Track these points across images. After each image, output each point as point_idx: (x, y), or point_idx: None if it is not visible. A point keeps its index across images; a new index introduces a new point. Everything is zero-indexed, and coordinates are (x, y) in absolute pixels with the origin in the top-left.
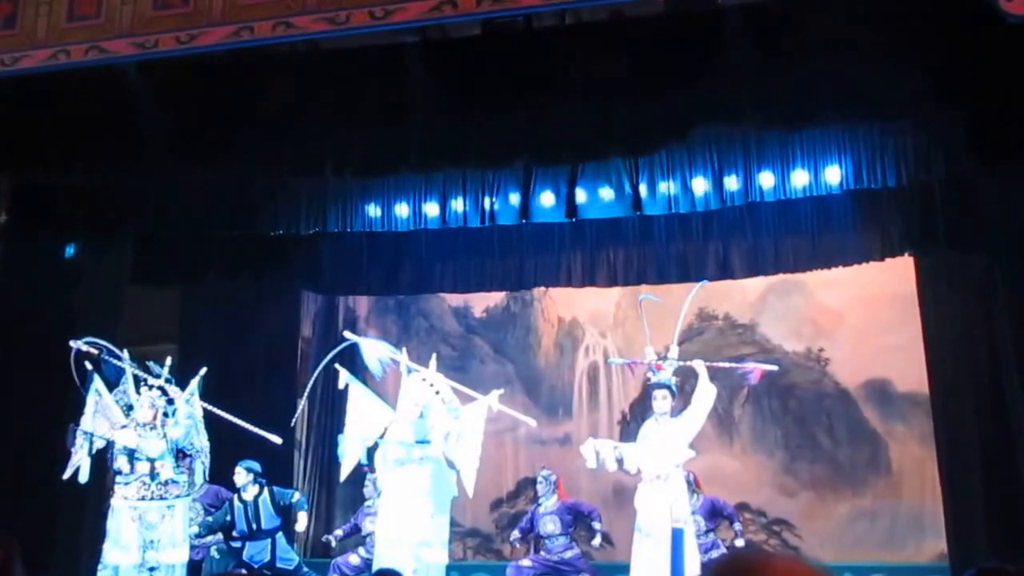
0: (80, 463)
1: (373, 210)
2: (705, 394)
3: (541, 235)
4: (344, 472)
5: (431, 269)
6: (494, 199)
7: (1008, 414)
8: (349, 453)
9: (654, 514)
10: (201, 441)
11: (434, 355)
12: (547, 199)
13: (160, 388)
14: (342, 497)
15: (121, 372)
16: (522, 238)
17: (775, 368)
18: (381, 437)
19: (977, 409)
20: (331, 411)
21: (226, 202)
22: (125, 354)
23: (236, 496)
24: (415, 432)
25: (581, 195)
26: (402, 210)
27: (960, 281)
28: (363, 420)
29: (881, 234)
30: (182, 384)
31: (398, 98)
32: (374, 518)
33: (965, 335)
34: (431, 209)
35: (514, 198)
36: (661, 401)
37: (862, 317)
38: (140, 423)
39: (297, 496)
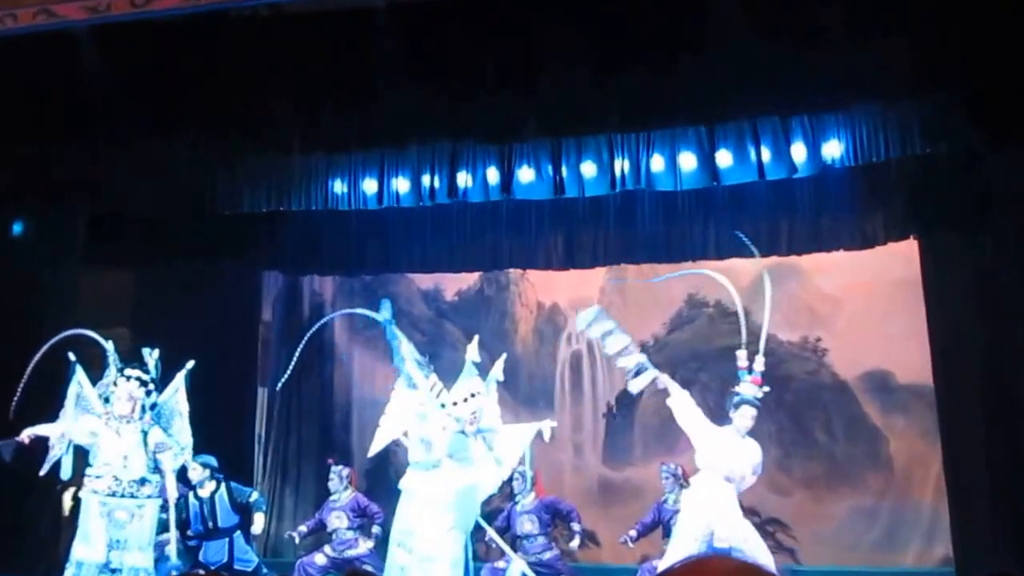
0: (59, 457)
1: (339, 186)
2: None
3: (518, 213)
4: (373, 448)
5: (399, 249)
6: (468, 174)
7: (1017, 407)
8: (384, 430)
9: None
10: (184, 439)
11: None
12: (526, 175)
13: (138, 379)
14: (305, 492)
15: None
16: (497, 216)
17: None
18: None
19: (984, 402)
20: (293, 402)
21: (182, 177)
22: (110, 345)
23: (191, 493)
24: (449, 444)
25: (562, 171)
26: (370, 186)
27: (967, 265)
28: (409, 401)
29: (883, 215)
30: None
31: (366, 65)
32: (339, 513)
33: (971, 323)
34: (401, 185)
35: (491, 174)
36: (749, 420)
37: (862, 304)
38: (117, 416)
39: (255, 496)
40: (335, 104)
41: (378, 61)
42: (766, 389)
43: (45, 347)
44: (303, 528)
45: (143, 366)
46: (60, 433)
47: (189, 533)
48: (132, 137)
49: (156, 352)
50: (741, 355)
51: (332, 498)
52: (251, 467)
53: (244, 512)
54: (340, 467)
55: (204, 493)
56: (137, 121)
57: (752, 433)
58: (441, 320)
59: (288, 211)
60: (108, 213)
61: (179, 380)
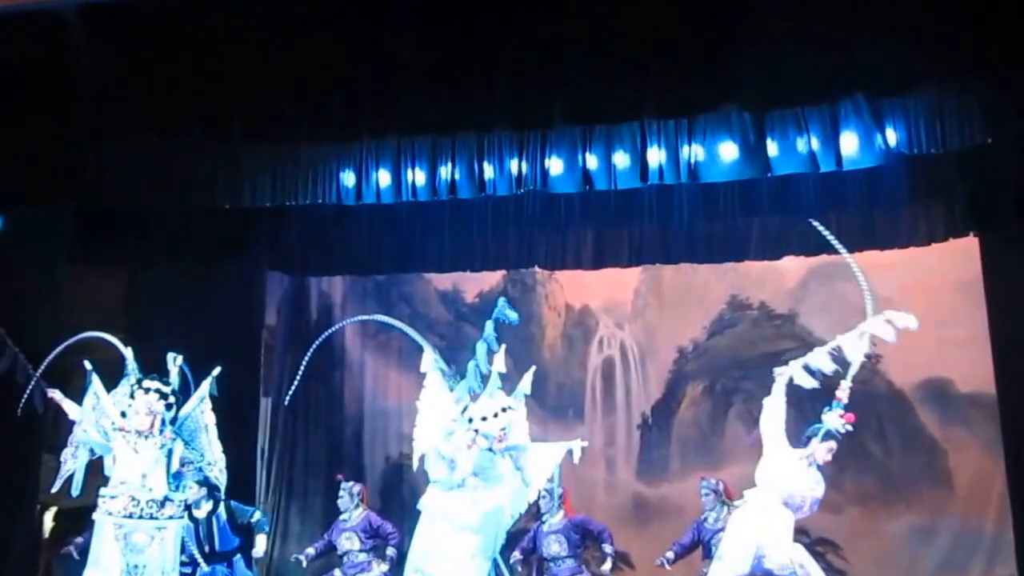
0: (72, 472)
1: (349, 178)
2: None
3: (544, 208)
4: (416, 463)
5: (415, 246)
6: (490, 165)
7: None
8: (420, 443)
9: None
10: (212, 454)
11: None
12: (553, 166)
13: (158, 391)
14: (312, 510)
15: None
16: (522, 211)
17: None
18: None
19: None
20: (299, 413)
21: (178, 168)
22: (129, 352)
23: (187, 514)
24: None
25: (592, 162)
26: (383, 178)
27: None
28: (435, 414)
29: (941, 210)
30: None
31: (379, 46)
32: (350, 533)
33: None
34: (417, 177)
35: (514, 165)
36: (828, 455)
37: (918, 306)
38: (135, 431)
39: (257, 515)
40: (346, 89)
41: (393, 42)
42: (849, 428)
43: (56, 351)
44: (311, 550)
45: (163, 377)
46: (78, 415)
47: (184, 558)
48: (124, 125)
49: (180, 359)
50: (844, 386)
51: (342, 517)
52: (253, 484)
53: (245, 533)
54: (350, 483)
55: (200, 514)
56: (130, 108)
57: (800, 447)
58: (461, 324)
59: (294, 206)
60: (97, 208)
61: (204, 389)
